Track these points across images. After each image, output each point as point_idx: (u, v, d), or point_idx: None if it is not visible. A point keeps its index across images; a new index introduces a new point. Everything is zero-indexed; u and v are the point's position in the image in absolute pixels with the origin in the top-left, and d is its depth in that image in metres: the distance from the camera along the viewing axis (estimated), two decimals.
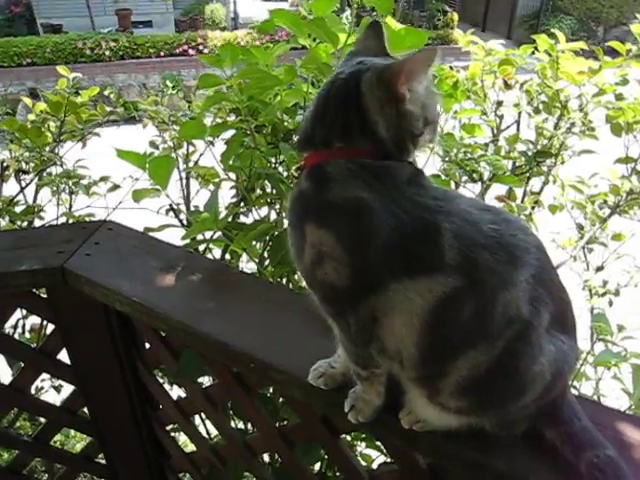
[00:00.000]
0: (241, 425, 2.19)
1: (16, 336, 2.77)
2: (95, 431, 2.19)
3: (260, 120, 1.90)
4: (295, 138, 1.10)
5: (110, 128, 3.40)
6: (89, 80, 13.11)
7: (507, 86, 2.45)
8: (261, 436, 1.74)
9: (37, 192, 2.79)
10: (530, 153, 2.27)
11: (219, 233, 1.87)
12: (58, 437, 3.63)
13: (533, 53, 2.40)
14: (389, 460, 1.63)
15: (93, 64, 15.14)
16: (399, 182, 1.01)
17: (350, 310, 1.01)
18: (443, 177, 2.12)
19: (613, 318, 2.22)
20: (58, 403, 2.21)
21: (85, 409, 2.14)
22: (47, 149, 2.59)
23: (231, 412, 2.00)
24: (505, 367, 0.98)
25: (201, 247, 2.19)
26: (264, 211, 2.15)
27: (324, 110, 1.06)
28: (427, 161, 1.96)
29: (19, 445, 2.33)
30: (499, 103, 2.51)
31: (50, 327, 1.96)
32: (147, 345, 1.91)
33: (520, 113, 2.59)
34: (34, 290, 1.92)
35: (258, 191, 2.09)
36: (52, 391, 3.03)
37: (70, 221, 2.63)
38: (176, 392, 2.10)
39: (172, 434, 2.28)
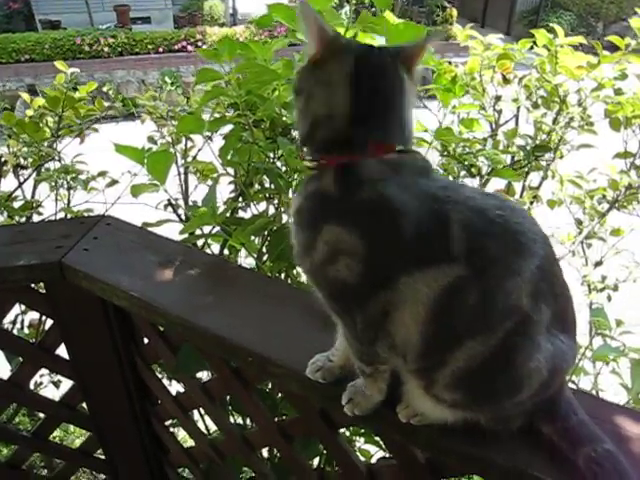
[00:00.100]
0: (240, 420, 2.20)
1: (15, 332, 2.77)
2: (94, 426, 2.19)
3: (258, 115, 1.90)
4: (310, 139, 1.04)
5: (109, 124, 3.40)
6: (88, 76, 13.07)
7: (506, 81, 2.45)
8: (259, 431, 1.74)
9: (35, 187, 2.78)
10: (528, 147, 2.27)
11: (218, 228, 1.87)
12: (57, 433, 3.64)
13: (532, 48, 2.40)
14: (388, 455, 1.63)
15: (92, 60, 15.10)
16: (414, 174, 1.02)
17: (357, 308, 1.01)
18: (441, 172, 2.12)
19: (612, 313, 2.23)
20: (57, 398, 2.21)
21: (84, 404, 2.14)
22: (45, 144, 2.59)
23: (230, 407, 2.01)
24: (501, 360, 0.98)
25: (200, 243, 2.19)
26: (263, 206, 2.15)
27: (369, 105, 1.01)
28: (425, 155, 1.97)
29: (18, 440, 2.34)
30: (498, 98, 2.51)
31: (49, 322, 1.97)
32: (146, 340, 1.91)
33: (519, 108, 2.58)
34: (32, 285, 1.92)
35: (256, 186, 2.09)
36: (51, 386, 3.03)
37: (68, 216, 2.62)
38: (175, 387, 2.10)
39: (171, 429, 2.28)
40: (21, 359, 2.13)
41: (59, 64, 2.69)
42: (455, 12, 18.53)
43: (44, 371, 2.81)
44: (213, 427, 2.33)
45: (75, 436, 3.72)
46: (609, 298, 2.70)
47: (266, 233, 1.96)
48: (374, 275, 0.97)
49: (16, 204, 2.59)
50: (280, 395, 1.85)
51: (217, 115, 2.13)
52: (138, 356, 1.94)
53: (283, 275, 2.09)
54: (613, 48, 2.27)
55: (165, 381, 2.08)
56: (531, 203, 2.52)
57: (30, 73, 14.46)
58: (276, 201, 2.10)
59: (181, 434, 3.00)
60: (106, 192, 2.78)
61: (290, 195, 1.96)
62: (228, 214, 1.99)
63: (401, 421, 1.15)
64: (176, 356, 1.73)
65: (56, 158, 2.67)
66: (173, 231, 1.92)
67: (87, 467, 2.92)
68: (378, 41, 1.74)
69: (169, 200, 2.31)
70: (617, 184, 2.44)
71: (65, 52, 14.84)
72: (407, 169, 1.02)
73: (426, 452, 1.31)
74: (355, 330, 1.04)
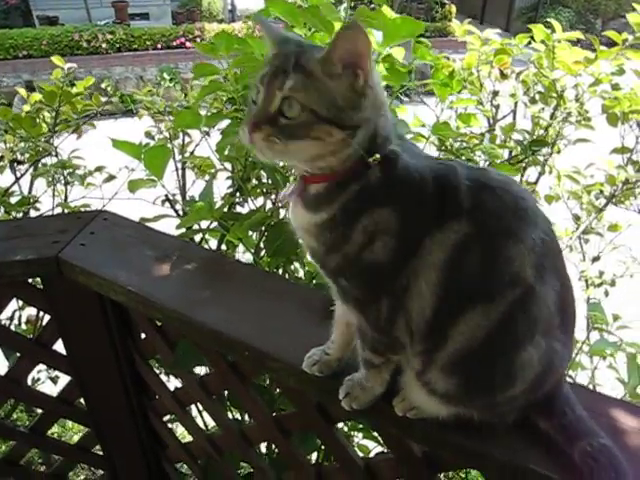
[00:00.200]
0: (238, 416, 2.20)
1: (12, 328, 2.76)
2: (92, 421, 2.20)
3: None
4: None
5: (107, 121, 3.40)
6: (86, 73, 13.01)
7: (503, 76, 2.44)
8: (257, 425, 1.74)
9: (32, 183, 2.77)
10: (525, 142, 2.27)
11: (215, 223, 1.87)
12: (55, 429, 3.64)
13: (529, 44, 2.40)
14: (385, 450, 1.63)
15: (90, 56, 15.06)
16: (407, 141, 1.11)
17: (384, 288, 1.03)
18: None
19: (610, 309, 2.23)
20: (55, 394, 2.21)
21: (82, 400, 2.14)
22: (42, 140, 2.58)
23: (227, 402, 2.01)
24: (498, 342, 0.99)
25: (197, 238, 2.19)
26: (260, 202, 2.15)
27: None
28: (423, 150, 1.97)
29: (16, 436, 2.34)
30: (495, 93, 2.51)
31: (46, 318, 1.96)
32: (143, 335, 1.91)
33: (516, 103, 2.58)
34: (29, 280, 1.92)
35: (254, 181, 2.09)
36: (49, 382, 3.03)
37: (66, 212, 2.62)
38: (173, 384, 2.10)
39: (169, 425, 2.29)
40: (18, 355, 2.13)
41: (56, 59, 2.68)
42: (454, 8, 18.51)
43: (42, 367, 2.81)
44: (211, 423, 2.34)
45: (73, 432, 3.72)
46: (606, 293, 2.70)
47: (263, 228, 1.96)
48: (405, 246, 1.00)
49: (13, 199, 2.59)
50: (278, 390, 1.85)
51: (214, 110, 2.13)
52: (135, 351, 1.94)
53: (281, 270, 2.09)
54: (612, 44, 2.27)
55: (163, 377, 2.08)
56: None
57: (28, 69, 14.42)
58: (273, 196, 2.09)
59: (179, 430, 3.00)
60: (104, 188, 2.77)
61: None
62: (225, 209, 1.98)
63: (397, 415, 1.16)
64: (173, 351, 1.73)
65: (53, 153, 2.66)
66: (171, 226, 1.92)
67: (85, 463, 2.93)
68: (375, 36, 1.74)
69: (167, 195, 2.30)
70: (614, 179, 2.44)
71: (63, 48, 14.80)
72: (403, 138, 1.09)
73: (423, 446, 1.32)
74: (377, 319, 1.06)
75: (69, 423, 3.69)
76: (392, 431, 1.32)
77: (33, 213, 2.65)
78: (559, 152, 2.47)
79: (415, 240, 0.99)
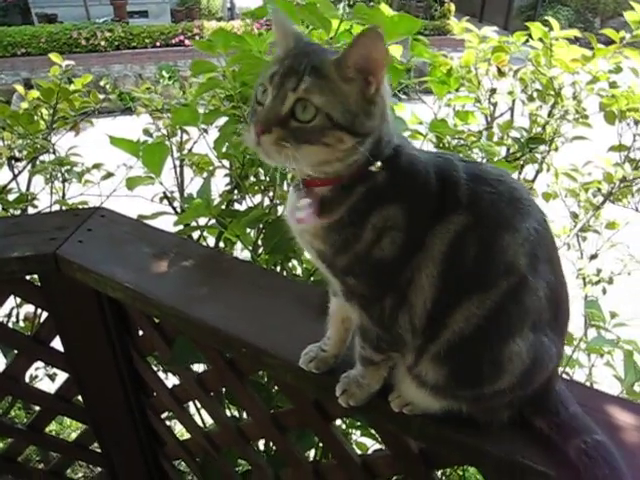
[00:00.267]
0: (236, 414, 2.20)
1: (10, 325, 2.76)
2: (89, 419, 2.20)
3: None
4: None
5: (106, 119, 3.39)
6: (85, 70, 12.95)
7: (501, 74, 2.45)
8: (254, 422, 1.74)
9: (30, 180, 2.77)
10: (523, 140, 2.27)
11: (213, 221, 1.87)
12: (53, 426, 3.63)
13: (527, 41, 2.40)
14: (383, 448, 1.63)
15: (89, 54, 15.05)
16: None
17: (390, 285, 1.03)
18: None
19: (607, 307, 2.23)
20: (53, 391, 2.21)
21: (80, 397, 2.14)
22: (40, 137, 2.58)
23: (225, 400, 2.01)
24: (488, 331, 1.00)
25: (195, 236, 2.19)
26: (258, 199, 2.15)
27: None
28: (420, 148, 1.97)
29: (14, 433, 2.34)
30: (493, 90, 2.51)
31: (44, 316, 1.96)
32: (140, 332, 1.92)
33: (514, 101, 2.59)
34: (27, 277, 1.91)
35: (252, 178, 2.09)
36: (47, 379, 3.03)
37: (63, 209, 2.61)
38: (172, 382, 2.10)
39: (167, 423, 2.29)
40: (16, 352, 2.13)
41: (54, 56, 2.68)
42: (453, 7, 18.51)
43: (40, 364, 2.82)
44: (209, 421, 2.34)
45: (71, 430, 3.72)
46: (604, 291, 2.70)
47: (261, 226, 1.96)
48: (412, 240, 1.00)
49: (11, 197, 2.58)
50: (275, 388, 1.86)
51: (212, 108, 2.13)
52: (133, 348, 1.94)
53: (278, 268, 2.10)
54: (611, 43, 2.27)
55: (161, 375, 2.08)
56: None
57: (26, 67, 14.40)
58: (271, 193, 2.09)
59: (178, 428, 3.00)
60: (102, 185, 2.77)
61: (285, 188, 1.97)
62: (223, 206, 1.98)
63: (394, 411, 1.16)
64: (171, 348, 1.73)
65: (51, 151, 2.66)
66: (169, 224, 1.92)
67: (83, 460, 2.93)
68: None
69: (165, 193, 2.30)
70: (612, 177, 2.45)
71: (62, 46, 14.80)
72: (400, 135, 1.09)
73: (419, 442, 1.32)
74: (382, 315, 1.06)
75: (67, 421, 3.69)
76: (389, 427, 1.32)
77: (31, 210, 2.64)
78: (557, 150, 2.48)
79: (420, 233, 1.00)
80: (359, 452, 1.81)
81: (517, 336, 1.00)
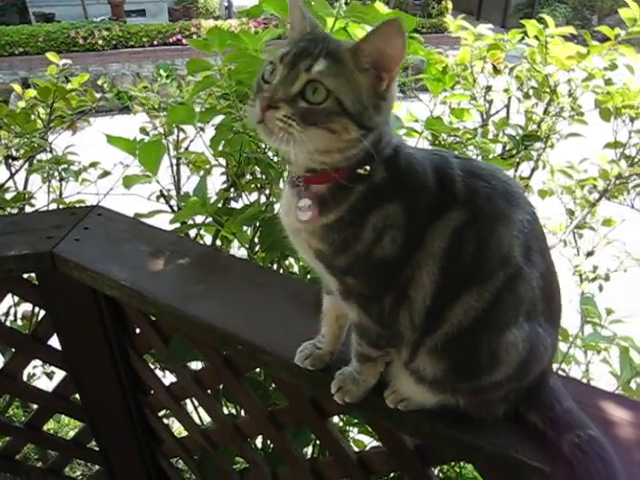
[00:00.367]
0: (234, 411, 2.21)
1: (8, 324, 2.77)
2: (87, 417, 2.20)
3: None
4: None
5: (104, 118, 3.39)
6: (82, 69, 12.94)
7: (496, 71, 2.45)
8: (251, 419, 1.75)
9: (27, 179, 2.78)
10: (518, 137, 2.28)
11: (210, 219, 1.87)
12: (51, 425, 3.64)
13: (523, 39, 2.40)
14: (379, 445, 1.64)
15: (86, 53, 15.01)
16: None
17: (390, 283, 1.04)
18: None
19: (604, 304, 2.24)
20: (50, 390, 2.21)
21: (77, 395, 2.14)
22: (37, 136, 2.58)
23: (222, 397, 2.01)
24: (486, 322, 1.01)
25: (192, 234, 2.19)
26: (255, 197, 2.15)
27: None
28: (416, 145, 1.98)
29: (11, 431, 2.34)
30: (488, 88, 2.51)
31: (41, 314, 1.97)
32: (137, 330, 1.92)
33: (510, 98, 2.59)
34: (24, 276, 1.92)
35: (248, 176, 2.09)
36: (44, 378, 3.03)
37: (60, 207, 2.62)
38: (169, 379, 2.11)
39: (164, 420, 2.29)
40: (13, 350, 2.13)
41: (51, 55, 2.68)
42: (450, 5, 18.47)
43: (37, 362, 2.82)
44: (206, 419, 2.34)
45: (69, 428, 3.72)
46: (601, 288, 2.71)
47: (258, 223, 1.96)
48: (412, 238, 1.00)
49: (8, 195, 2.59)
50: (273, 386, 1.86)
51: (208, 106, 2.13)
52: (130, 346, 1.94)
53: (275, 265, 2.10)
54: (607, 40, 2.28)
55: (159, 373, 2.09)
56: None
57: (24, 66, 14.36)
58: (267, 191, 2.10)
59: (175, 426, 3.01)
60: (99, 183, 2.77)
61: (281, 185, 1.97)
62: (220, 204, 1.99)
63: (389, 407, 1.16)
64: (168, 346, 1.74)
65: (48, 149, 2.66)
66: (166, 222, 1.93)
67: (81, 458, 2.93)
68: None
69: (161, 191, 2.31)
70: (607, 174, 2.45)
71: (59, 45, 14.76)
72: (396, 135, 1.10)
73: (415, 438, 1.32)
74: (381, 313, 1.06)
75: (65, 419, 3.69)
76: (384, 424, 1.33)
77: (28, 209, 2.65)
78: (552, 147, 2.48)
79: (420, 231, 1.00)
80: (357, 449, 1.81)
81: (512, 325, 1.01)
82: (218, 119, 1.96)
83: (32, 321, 2.71)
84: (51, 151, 2.70)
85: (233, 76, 1.81)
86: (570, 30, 2.28)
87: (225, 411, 2.09)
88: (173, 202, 2.39)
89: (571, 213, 2.67)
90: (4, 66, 14.43)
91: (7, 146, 2.57)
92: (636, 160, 2.46)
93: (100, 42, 15.27)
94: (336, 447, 1.50)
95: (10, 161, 2.67)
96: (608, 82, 2.31)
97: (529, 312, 1.02)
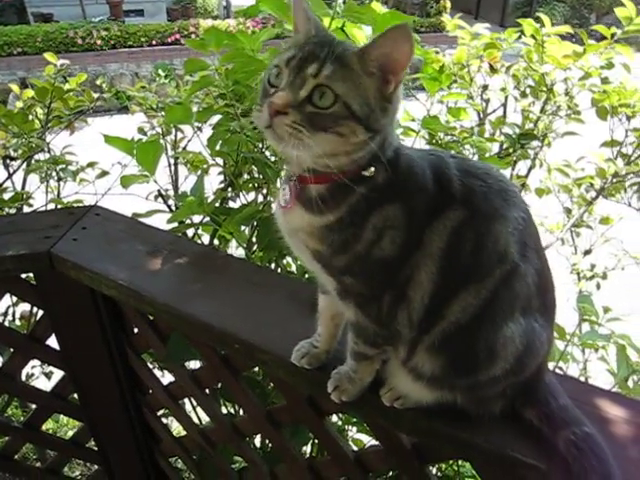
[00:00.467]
0: (232, 410, 2.21)
1: (6, 324, 2.77)
2: (85, 416, 2.20)
3: (246, 105, 1.90)
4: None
5: (102, 118, 3.39)
6: (81, 69, 12.97)
7: (493, 70, 2.45)
8: (249, 418, 1.75)
9: (25, 179, 2.78)
10: (514, 136, 2.29)
11: (208, 218, 1.87)
12: (50, 425, 3.64)
13: (520, 38, 2.41)
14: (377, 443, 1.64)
15: (85, 53, 14.98)
16: None
17: (389, 283, 1.04)
18: None
19: (602, 302, 2.24)
20: (49, 389, 2.22)
21: (76, 395, 2.15)
22: (35, 136, 2.58)
23: (220, 396, 2.02)
24: (483, 318, 1.01)
25: (190, 234, 2.19)
26: (252, 196, 2.15)
27: None
28: (413, 144, 1.98)
29: (10, 431, 2.34)
30: (485, 87, 2.52)
31: (40, 314, 1.97)
32: (135, 330, 1.92)
33: (507, 97, 2.59)
34: (23, 276, 1.92)
35: (245, 176, 2.09)
36: (43, 378, 3.03)
37: (58, 207, 2.62)
38: (167, 379, 2.11)
39: (163, 420, 2.29)
40: (12, 350, 2.13)
41: (48, 56, 2.68)
42: (449, 4, 18.46)
43: (36, 362, 2.82)
44: (205, 418, 2.34)
45: (68, 428, 3.72)
46: (598, 286, 2.71)
47: (255, 223, 1.96)
48: (411, 238, 1.01)
49: (6, 196, 2.59)
50: (271, 385, 1.86)
51: (206, 106, 2.14)
52: (128, 346, 1.95)
53: (273, 265, 2.10)
54: (605, 39, 2.28)
55: (157, 372, 2.09)
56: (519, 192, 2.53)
57: (22, 66, 14.33)
58: (265, 191, 2.10)
59: (174, 425, 3.01)
60: (97, 183, 2.78)
61: (278, 185, 1.97)
62: (217, 204, 1.99)
63: (385, 405, 1.16)
64: (165, 345, 1.74)
65: (45, 149, 2.66)
66: (164, 222, 1.93)
67: (79, 458, 2.93)
68: (365, 31, 1.75)
69: (159, 191, 2.31)
70: (604, 172, 2.46)
71: (58, 45, 14.74)
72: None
73: (411, 437, 1.33)
74: (379, 312, 1.06)
75: (63, 418, 3.69)
76: (380, 422, 1.33)
77: (26, 209, 2.65)
78: (549, 146, 2.49)
79: (419, 231, 1.01)
80: (355, 448, 1.81)
81: (509, 320, 1.02)
82: (215, 119, 1.96)
83: (30, 321, 2.71)
84: (49, 151, 2.70)
85: (230, 76, 1.81)
86: (566, 29, 2.28)
87: (223, 410, 2.10)
88: (171, 202, 2.39)
89: (568, 211, 2.68)
90: (2, 66, 14.40)
91: (5, 146, 2.57)
92: (633, 158, 2.46)
93: (99, 42, 15.24)
94: (334, 446, 1.51)
95: (8, 161, 2.67)
96: (605, 81, 2.31)
97: (525, 307, 1.03)
